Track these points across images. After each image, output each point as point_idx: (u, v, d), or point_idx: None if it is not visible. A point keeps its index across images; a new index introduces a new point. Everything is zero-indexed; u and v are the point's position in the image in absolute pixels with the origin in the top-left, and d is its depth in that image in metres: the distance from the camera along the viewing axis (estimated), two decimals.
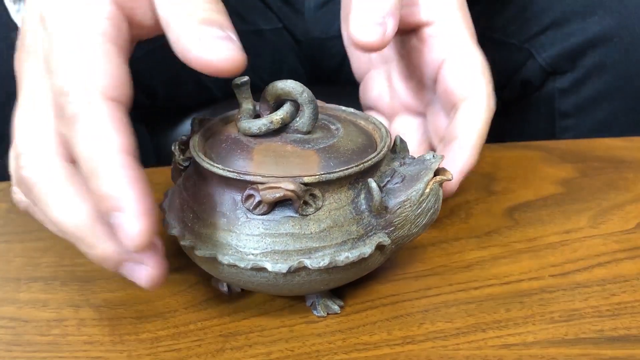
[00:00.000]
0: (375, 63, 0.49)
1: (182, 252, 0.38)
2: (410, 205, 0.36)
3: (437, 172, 0.37)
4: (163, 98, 0.71)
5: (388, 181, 0.37)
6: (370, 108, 0.50)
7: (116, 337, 0.37)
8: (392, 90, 0.48)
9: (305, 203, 0.35)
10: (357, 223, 0.36)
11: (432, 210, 0.37)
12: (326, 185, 0.35)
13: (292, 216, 0.35)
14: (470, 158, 0.43)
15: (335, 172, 0.35)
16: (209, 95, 0.73)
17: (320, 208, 0.35)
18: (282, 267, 0.35)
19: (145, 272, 0.34)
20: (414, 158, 0.38)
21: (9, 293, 0.41)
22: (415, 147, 0.47)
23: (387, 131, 0.39)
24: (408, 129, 0.48)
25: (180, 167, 0.39)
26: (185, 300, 0.39)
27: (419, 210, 0.36)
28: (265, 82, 0.38)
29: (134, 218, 0.31)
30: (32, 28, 0.37)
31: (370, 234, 0.36)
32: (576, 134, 0.67)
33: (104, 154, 0.32)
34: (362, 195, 0.36)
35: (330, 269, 0.35)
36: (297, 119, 0.37)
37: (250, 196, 0.35)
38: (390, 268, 0.41)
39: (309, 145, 0.37)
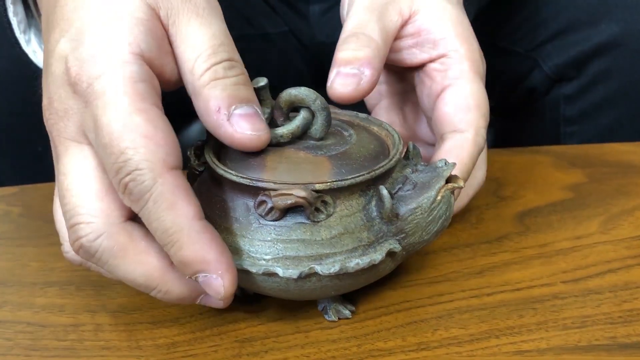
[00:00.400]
0: (387, 94, 0.49)
1: None
2: (421, 213, 0.36)
3: (449, 179, 0.37)
4: (170, 103, 0.71)
5: (400, 188, 0.37)
6: None
7: (133, 343, 0.37)
8: (404, 121, 0.49)
9: (317, 210, 0.35)
10: (368, 230, 0.36)
11: (443, 218, 0.37)
12: (337, 192, 0.35)
13: (303, 222, 0.35)
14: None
15: (346, 179, 0.35)
16: None
17: (331, 215, 0.35)
18: (293, 272, 0.35)
19: (220, 301, 0.35)
20: (427, 165, 0.38)
21: (26, 297, 0.41)
22: None
23: (399, 138, 0.39)
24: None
25: (196, 172, 0.39)
26: (201, 306, 0.39)
27: (430, 217, 0.36)
28: (272, 85, 0.38)
29: (219, 277, 0.34)
30: (62, 91, 0.36)
31: (381, 240, 0.36)
32: (581, 139, 0.67)
33: (180, 226, 0.33)
34: (374, 202, 0.36)
35: (341, 275, 0.35)
36: (311, 126, 0.38)
37: (262, 202, 0.35)
38: (403, 274, 0.42)
39: (322, 152, 0.37)
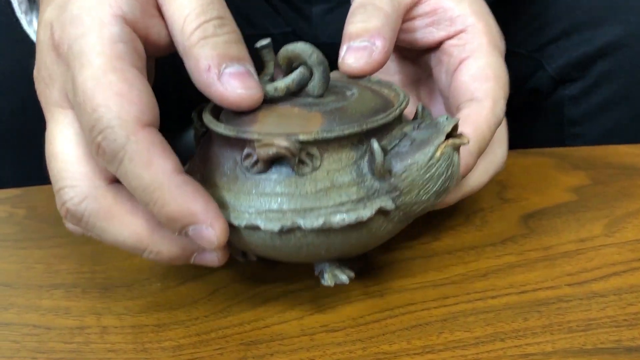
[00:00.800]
0: (402, 84, 0.48)
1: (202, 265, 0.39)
2: (417, 169, 0.35)
3: (454, 137, 0.35)
4: (171, 101, 0.72)
5: (396, 144, 0.36)
6: None
7: (139, 345, 0.38)
8: None
9: (302, 162, 0.34)
10: (358, 185, 0.35)
11: (444, 176, 0.35)
12: (325, 144, 0.34)
13: (288, 175, 0.35)
14: (465, 159, 0.40)
15: (333, 130, 0.34)
16: None
17: (317, 168, 0.35)
18: (274, 225, 0.34)
19: (216, 256, 0.37)
20: (429, 122, 0.37)
21: (32, 300, 0.41)
22: None
23: (405, 96, 0.38)
24: None
25: (198, 133, 0.39)
26: (206, 308, 0.40)
27: (428, 174, 0.35)
28: None
29: (209, 226, 0.34)
30: (47, 57, 0.36)
31: (372, 197, 0.35)
32: (585, 141, 0.67)
33: (158, 183, 0.33)
34: (366, 158, 0.35)
35: (326, 230, 0.34)
36: (309, 82, 0.37)
37: (248, 155, 0.35)
38: (409, 277, 0.42)
39: (317, 108, 0.36)
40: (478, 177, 0.43)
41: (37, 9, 0.52)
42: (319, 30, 0.74)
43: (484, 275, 0.42)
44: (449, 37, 0.44)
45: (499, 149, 0.45)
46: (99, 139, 0.33)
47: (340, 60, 0.39)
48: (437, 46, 0.44)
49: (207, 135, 0.39)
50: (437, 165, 0.35)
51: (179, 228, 0.34)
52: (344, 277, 0.38)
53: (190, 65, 0.35)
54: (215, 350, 0.37)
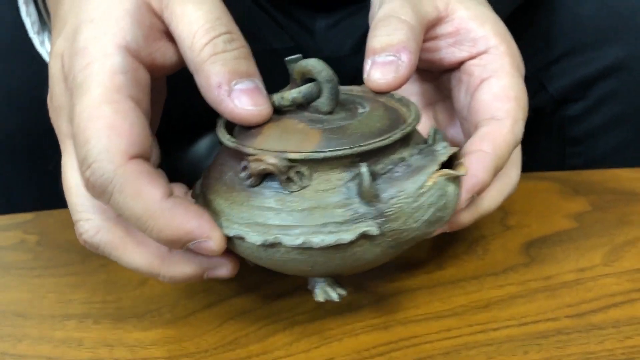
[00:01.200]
0: (420, 105, 0.48)
1: (211, 289, 0.41)
2: (405, 197, 0.35)
3: (453, 166, 0.35)
4: (178, 117, 0.72)
5: (391, 169, 0.36)
6: None
7: None
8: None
9: (290, 179, 0.35)
10: (344, 208, 0.35)
11: (435, 207, 0.35)
12: (315, 164, 0.35)
13: (278, 192, 0.35)
14: (482, 175, 0.39)
15: (323, 151, 0.35)
16: None
17: (306, 187, 0.35)
18: (257, 239, 0.35)
19: (227, 269, 0.38)
20: (429, 148, 0.36)
21: (45, 331, 0.42)
22: None
23: (415, 119, 0.37)
24: None
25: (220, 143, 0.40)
26: (214, 340, 0.41)
27: (417, 203, 0.35)
28: None
29: (206, 238, 0.35)
30: (57, 88, 0.38)
31: (356, 221, 0.35)
32: (586, 160, 0.68)
33: (151, 211, 0.35)
34: (357, 181, 0.35)
35: (306, 249, 0.35)
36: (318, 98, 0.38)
37: (245, 167, 0.36)
38: (412, 308, 0.43)
39: (320, 125, 0.37)
40: (493, 198, 0.43)
41: (49, 30, 0.53)
42: (323, 45, 0.74)
43: (485, 307, 0.43)
44: (471, 58, 0.44)
45: (514, 171, 0.44)
46: (87, 174, 0.35)
47: (365, 75, 0.40)
48: (457, 67, 0.45)
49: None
50: (427, 195, 0.35)
51: (179, 247, 0.36)
52: (334, 294, 0.38)
53: (201, 81, 0.36)
54: None
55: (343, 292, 0.39)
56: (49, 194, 0.60)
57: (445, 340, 0.40)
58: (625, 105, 0.65)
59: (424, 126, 0.43)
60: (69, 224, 0.40)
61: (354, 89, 0.41)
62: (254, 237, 0.35)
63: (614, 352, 0.39)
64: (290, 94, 0.38)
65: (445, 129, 0.48)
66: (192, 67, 0.37)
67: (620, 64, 0.64)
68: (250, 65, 0.37)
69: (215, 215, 0.37)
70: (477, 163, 0.39)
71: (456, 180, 0.36)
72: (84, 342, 0.41)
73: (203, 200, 0.38)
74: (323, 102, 0.38)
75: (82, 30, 0.36)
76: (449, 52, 0.44)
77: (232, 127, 0.38)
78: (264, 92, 0.37)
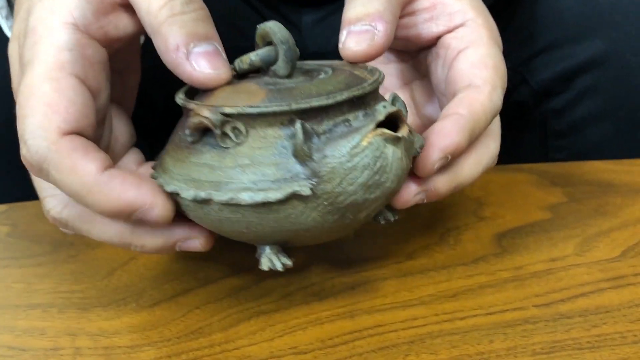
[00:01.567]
0: (398, 85, 0.48)
1: (178, 279, 0.41)
2: (339, 157, 0.33)
3: (394, 127, 0.34)
4: (163, 110, 0.72)
5: (331, 129, 0.34)
6: None
7: None
8: (418, 111, 0.47)
9: (225, 135, 0.34)
10: (277, 166, 0.34)
11: (370, 169, 0.34)
12: (251, 120, 0.34)
13: (215, 148, 0.35)
14: (456, 136, 0.38)
15: (257, 106, 0.34)
16: None
17: (241, 143, 0.35)
18: (189, 194, 0.35)
19: (198, 242, 0.38)
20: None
21: (8, 321, 0.42)
22: None
23: (374, 82, 0.36)
24: None
25: None
26: (178, 330, 0.40)
27: (350, 164, 0.34)
28: None
29: (149, 207, 0.35)
30: (16, 69, 0.38)
31: (288, 180, 0.34)
32: (570, 153, 0.67)
33: (88, 186, 0.34)
34: (294, 140, 0.34)
35: (236, 207, 0.34)
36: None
37: (188, 125, 0.36)
38: (379, 297, 0.42)
39: (272, 87, 0.36)
40: (470, 168, 0.42)
41: None
42: (309, 41, 0.74)
43: (453, 296, 0.42)
44: (448, 32, 0.43)
45: (493, 143, 0.43)
46: (23, 151, 0.35)
47: (340, 45, 0.39)
48: (434, 43, 0.44)
49: None
50: (361, 155, 0.34)
51: (125, 219, 0.35)
52: (278, 263, 0.37)
53: (158, 44, 0.36)
54: None
55: (288, 262, 0.37)
56: (23, 186, 0.60)
57: (411, 329, 0.40)
58: (607, 98, 0.65)
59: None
60: (42, 216, 0.40)
61: (334, 63, 0.40)
62: (186, 193, 0.35)
63: (579, 340, 0.38)
64: (249, 57, 0.37)
65: (423, 108, 0.47)
66: (149, 30, 0.36)
67: (602, 58, 0.64)
68: (209, 28, 0.37)
69: (163, 174, 0.36)
70: (451, 125, 0.38)
71: (397, 142, 0.34)
72: (47, 331, 0.41)
73: (160, 163, 0.38)
74: (280, 65, 0.37)
75: (33, 10, 0.36)
76: (425, 27, 0.44)
77: (196, 92, 0.38)
78: (223, 55, 0.37)
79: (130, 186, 0.35)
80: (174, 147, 0.37)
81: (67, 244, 0.49)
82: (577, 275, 0.44)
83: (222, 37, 0.38)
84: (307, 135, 0.34)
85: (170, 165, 0.37)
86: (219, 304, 0.42)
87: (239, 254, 0.45)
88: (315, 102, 0.34)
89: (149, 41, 0.39)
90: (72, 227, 0.38)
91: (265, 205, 0.34)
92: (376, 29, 0.38)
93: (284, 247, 0.38)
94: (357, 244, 0.48)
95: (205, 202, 0.35)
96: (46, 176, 0.35)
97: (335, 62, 0.41)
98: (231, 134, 0.34)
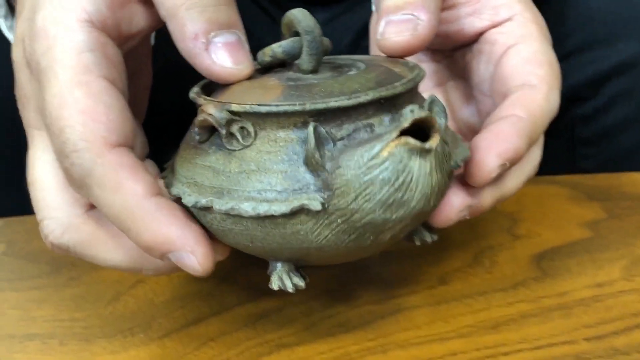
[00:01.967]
0: (433, 86, 0.44)
1: (189, 306, 0.38)
2: (355, 168, 0.29)
3: (431, 136, 0.29)
4: (166, 112, 0.69)
5: (350, 135, 0.30)
6: None
7: None
8: (453, 114, 0.44)
9: (231, 135, 0.30)
10: (284, 174, 0.30)
11: (390, 185, 0.29)
12: (260, 120, 0.30)
13: (220, 149, 0.31)
14: (517, 141, 0.34)
15: (266, 105, 0.29)
16: None
17: (249, 146, 0.30)
18: (190, 200, 0.31)
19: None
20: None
21: (3, 353, 0.38)
22: None
23: (408, 82, 0.31)
24: None
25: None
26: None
27: (367, 177, 0.29)
28: None
29: (189, 252, 0.30)
30: (22, 75, 0.35)
31: (297, 192, 0.30)
32: (597, 161, 0.64)
33: (131, 209, 0.30)
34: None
35: (238, 218, 0.30)
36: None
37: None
38: (412, 329, 0.38)
39: (292, 83, 0.32)
40: (515, 179, 0.38)
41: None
42: None
43: (494, 327, 0.39)
44: (493, 26, 0.39)
45: (537, 150, 0.40)
46: (66, 165, 0.31)
47: (379, 36, 0.35)
48: (475, 39, 0.40)
49: None
50: (380, 168, 0.29)
51: (158, 255, 0.31)
52: (289, 283, 0.33)
53: (174, 29, 0.32)
54: None
55: (300, 284, 0.33)
56: (21, 201, 0.56)
57: None
58: (638, 104, 0.61)
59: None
60: (39, 232, 0.36)
61: (374, 58, 0.36)
62: (188, 198, 0.31)
63: None
64: (271, 49, 0.33)
65: (459, 110, 0.43)
66: (164, 12, 0.32)
67: (635, 61, 0.61)
68: (232, 14, 0.32)
69: (170, 176, 0.33)
70: (510, 127, 0.34)
71: (425, 154, 0.29)
72: None
73: (172, 163, 0.34)
74: (303, 58, 0.33)
75: (40, 7, 0.32)
76: (467, 22, 0.40)
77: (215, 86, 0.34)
78: (246, 46, 0.32)
79: (176, 223, 0.31)
80: (184, 146, 0.33)
81: (67, 264, 0.45)
82: (629, 303, 0.40)
83: None
84: (320, 140, 0.29)
85: (177, 164, 0.33)
86: (236, 335, 0.38)
87: (255, 273, 0.40)
88: (334, 103, 0.29)
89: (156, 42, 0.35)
90: (74, 253, 0.34)
91: (269, 218, 0.30)
92: (419, 19, 0.34)
93: (297, 265, 0.34)
94: (382, 264, 0.44)
95: (207, 209, 0.31)
96: (87, 193, 0.31)
97: (375, 57, 0.36)
98: (238, 135, 0.30)
